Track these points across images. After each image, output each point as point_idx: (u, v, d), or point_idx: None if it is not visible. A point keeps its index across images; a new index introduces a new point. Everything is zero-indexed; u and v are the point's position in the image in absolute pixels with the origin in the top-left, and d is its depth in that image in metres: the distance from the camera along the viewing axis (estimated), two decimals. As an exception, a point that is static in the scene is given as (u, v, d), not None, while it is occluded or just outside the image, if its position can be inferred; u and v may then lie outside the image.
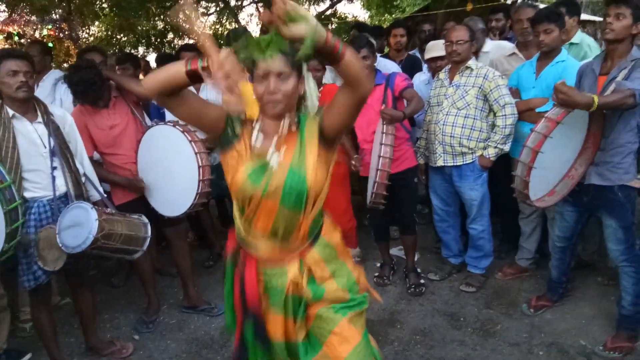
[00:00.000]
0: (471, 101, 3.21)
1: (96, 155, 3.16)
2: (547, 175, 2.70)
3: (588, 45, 3.59)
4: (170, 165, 3.03)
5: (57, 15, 8.49)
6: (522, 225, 3.55)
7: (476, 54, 3.78)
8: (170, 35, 12.58)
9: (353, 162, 3.44)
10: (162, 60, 4.60)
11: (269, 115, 1.60)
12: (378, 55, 4.35)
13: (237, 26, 12.62)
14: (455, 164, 3.31)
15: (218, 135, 1.66)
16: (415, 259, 3.69)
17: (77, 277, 2.84)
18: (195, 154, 2.91)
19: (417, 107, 3.25)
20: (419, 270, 3.58)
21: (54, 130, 2.60)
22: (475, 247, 3.52)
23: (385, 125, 3.10)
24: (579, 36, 3.63)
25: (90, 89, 2.92)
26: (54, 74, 3.91)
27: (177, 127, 2.99)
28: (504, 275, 3.61)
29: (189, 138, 2.94)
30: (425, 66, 4.24)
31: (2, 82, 2.45)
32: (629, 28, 2.51)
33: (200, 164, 2.91)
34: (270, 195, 1.58)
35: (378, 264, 3.81)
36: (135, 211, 2.84)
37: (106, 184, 3.21)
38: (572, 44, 3.59)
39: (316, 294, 1.69)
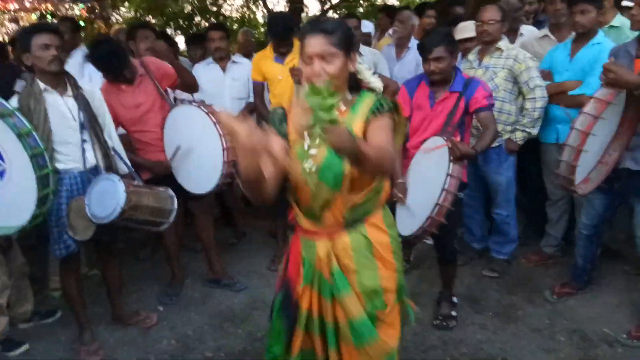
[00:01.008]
0: (500, 83, 3.15)
1: (120, 130, 3.21)
2: (584, 161, 2.59)
3: (630, 30, 3.46)
4: (196, 145, 3.05)
5: (90, -6, 8.65)
6: (549, 211, 3.50)
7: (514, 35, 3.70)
8: (197, 18, 12.62)
9: (395, 191, 2.64)
10: (191, 41, 4.64)
11: None
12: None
13: (264, 10, 12.58)
14: (481, 148, 3.26)
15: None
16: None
17: (106, 249, 2.92)
18: (220, 135, 2.93)
19: (491, 141, 2.66)
20: (455, 299, 3.00)
21: (84, 104, 2.65)
22: (500, 233, 3.48)
23: (452, 165, 2.42)
24: (619, 19, 3.49)
25: (111, 61, 2.93)
26: (83, 50, 3.98)
27: (202, 108, 3.02)
28: (528, 261, 3.56)
29: (214, 120, 2.97)
30: None
31: (35, 55, 2.50)
32: None
33: (224, 146, 2.94)
34: (310, 171, 1.59)
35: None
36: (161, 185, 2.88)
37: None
38: (611, 27, 3.46)
39: (339, 287, 1.68)
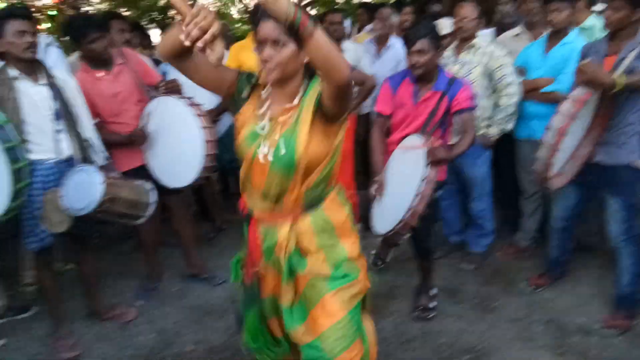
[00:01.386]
0: (476, 79, 3.20)
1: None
2: (558, 156, 2.66)
3: (601, 31, 3.55)
4: (175, 138, 3.00)
5: (61, -18, 8.40)
6: (524, 205, 3.57)
7: None
8: (172, 12, 12.44)
9: (372, 190, 2.73)
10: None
11: (269, 82, 1.61)
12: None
13: (242, 5, 12.47)
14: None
15: (232, 98, 1.70)
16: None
17: (81, 242, 2.86)
18: (202, 128, 2.90)
19: (468, 145, 2.64)
20: (433, 291, 3.04)
21: (58, 92, 2.58)
22: (476, 226, 3.54)
23: (427, 169, 2.43)
24: (592, 20, 3.57)
25: (89, 27, 2.85)
26: (43, 39, 3.83)
27: (183, 100, 2.98)
28: (503, 254, 3.63)
29: (195, 112, 2.93)
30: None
31: (10, 42, 2.41)
32: (626, 18, 2.51)
33: (206, 139, 2.91)
34: (261, 158, 1.62)
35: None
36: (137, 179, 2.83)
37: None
38: (583, 28, 3.53)
39: (297, 266, 1.70)
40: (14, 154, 2.34)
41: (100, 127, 3.01)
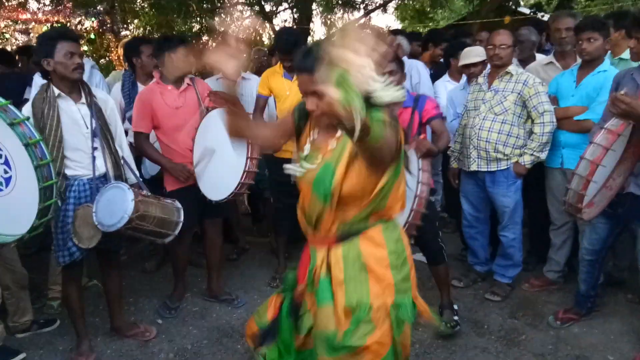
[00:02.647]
0: (509, 107, 3.18)
1: (129, 139, 3.24)
2: (591, 187, 2.59)
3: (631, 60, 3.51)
4: (221, 150, 3.02)
5: (102, 8, 8.74)
6: (553, 236, 3.49)
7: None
8: (205, 37, 12.77)
9: None
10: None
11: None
12: (407, 59, 4.40)
13: (271, 32, 12.75)
14: (489, 170, 3.27)
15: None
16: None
17: (108, 258, 2.90)
18: (248, 144, 2.91)
19: (447, 142, 3.02)
20: (455, 306, 3.13)
21: (97, 112, 2.67)
22: (504, 256, 3.46)
23: (421, 160, 2.67)
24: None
25: (179, 47, 3.13)
26: (87, 62, 3.98)
27: None
28: (531, 286, 3.54)
29: None
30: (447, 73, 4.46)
31: (59, 62, 2.51)
32: None
33: (249, 155, 2.94)
34: (305, 181, 1.69)
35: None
36: (184, 199, 2.88)
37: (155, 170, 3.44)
38: (621, 59, 3.48)
39: (320, 297, 1.67)
40: (45, 172, 2.33)
41: (150, 146, 3.19)
